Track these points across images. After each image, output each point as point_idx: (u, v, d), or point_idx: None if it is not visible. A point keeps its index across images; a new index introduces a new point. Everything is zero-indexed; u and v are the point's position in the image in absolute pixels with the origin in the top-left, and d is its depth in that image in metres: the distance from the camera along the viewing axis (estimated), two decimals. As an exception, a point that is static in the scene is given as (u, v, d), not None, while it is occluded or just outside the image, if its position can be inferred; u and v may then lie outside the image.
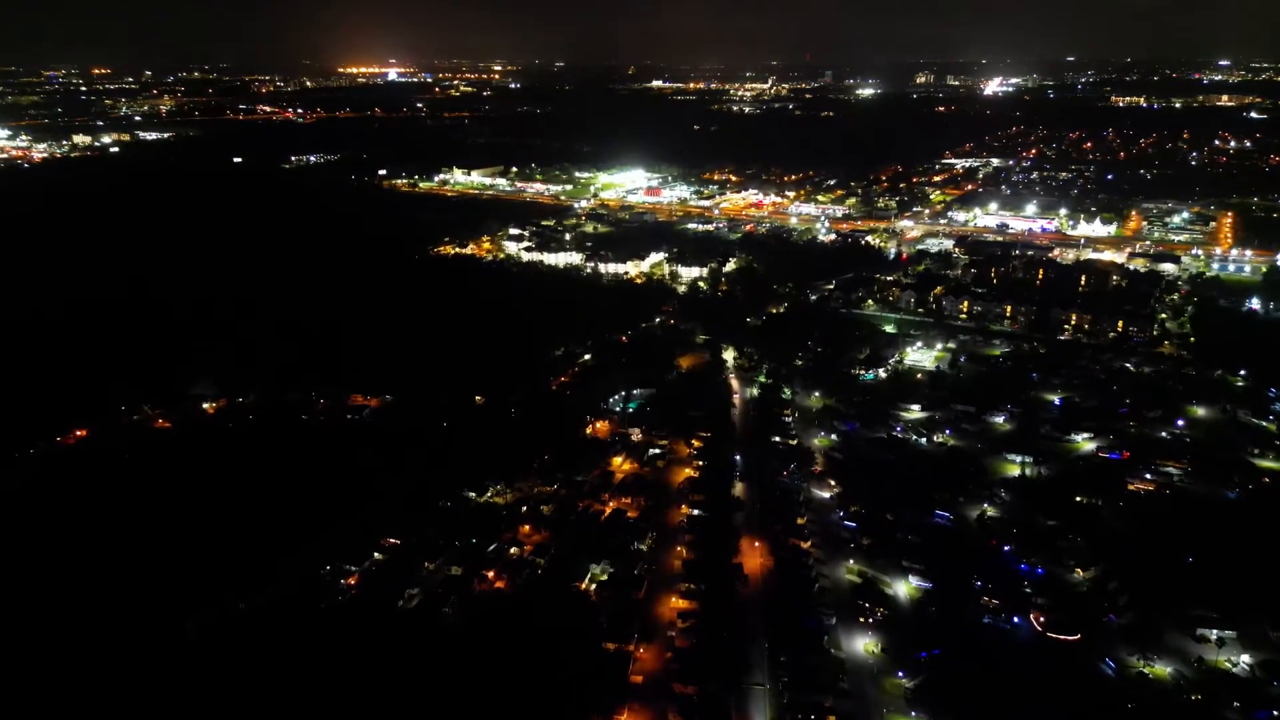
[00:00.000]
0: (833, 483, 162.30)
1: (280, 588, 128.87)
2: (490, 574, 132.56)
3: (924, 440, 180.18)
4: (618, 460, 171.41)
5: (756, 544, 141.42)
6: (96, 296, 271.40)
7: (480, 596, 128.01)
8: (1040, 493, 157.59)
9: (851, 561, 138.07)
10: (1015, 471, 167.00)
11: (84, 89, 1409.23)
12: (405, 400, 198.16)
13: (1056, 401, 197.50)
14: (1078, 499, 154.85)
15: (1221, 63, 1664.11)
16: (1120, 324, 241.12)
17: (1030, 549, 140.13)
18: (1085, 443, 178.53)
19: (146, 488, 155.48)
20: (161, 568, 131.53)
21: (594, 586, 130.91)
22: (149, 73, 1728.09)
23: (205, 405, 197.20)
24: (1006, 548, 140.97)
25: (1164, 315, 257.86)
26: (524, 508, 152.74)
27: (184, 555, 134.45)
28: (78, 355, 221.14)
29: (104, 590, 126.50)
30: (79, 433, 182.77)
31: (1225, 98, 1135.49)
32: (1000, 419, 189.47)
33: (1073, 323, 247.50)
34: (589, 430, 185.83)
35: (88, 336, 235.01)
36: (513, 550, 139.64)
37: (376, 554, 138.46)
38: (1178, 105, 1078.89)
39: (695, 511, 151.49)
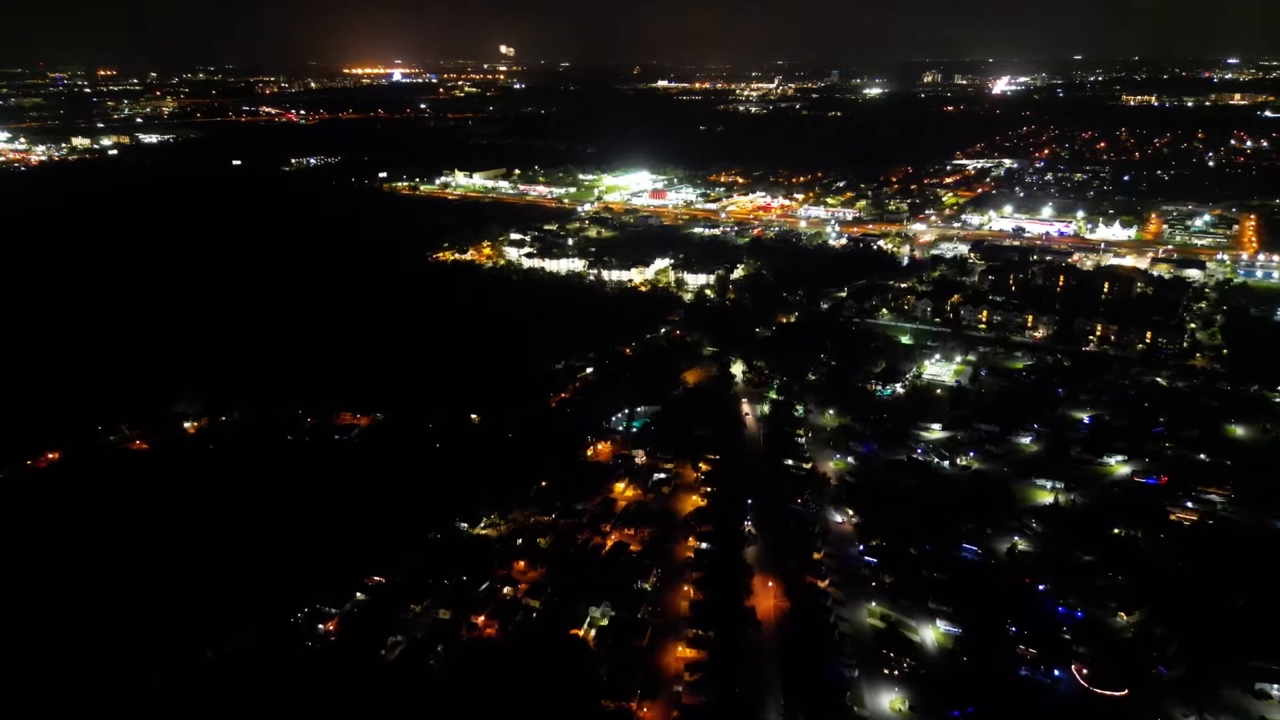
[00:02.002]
0: (850, 512, 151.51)
1: (253, 632, 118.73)
2: (480, 619, 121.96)
3: (946, 463, 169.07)
4: (620, 486, 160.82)
5: (770, 583, 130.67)
6: (79, 306, 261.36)
7: (469, 644, 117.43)
8: (1074, 523, 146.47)
9: (873, 603, 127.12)
10: (1045, 499, 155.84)
11: (88, 91, 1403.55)
12: (396, 418, 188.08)
13: (1085, 420, 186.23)
14: (1115, 531, 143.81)
15: (1230, 60, 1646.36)
16: (1149, 335, 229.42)
17: (1067, 588, 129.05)
18: (1119, 466, 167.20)
19: (114, 517, 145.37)
20: (124, 608, 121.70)
21: (593, 632, 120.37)
22: (154, 74, 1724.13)
23: (187, 424, 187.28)
24: (1041, 586, 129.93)
25: (1193, 325, 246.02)
26: (519, 540, 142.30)
27: (150, 594, 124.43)
28: (57, 368, 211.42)
29: (58, 635, 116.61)
30: (51, 455, 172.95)
31: (1237, 96, 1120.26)
32: (1026, 439, 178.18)
33: (1098, 334, 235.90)
34: (590, 452, 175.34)
35: (69, 348, 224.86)
36: (506, 590, 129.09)
37: (359, 594, 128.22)
38: (1189, 104, 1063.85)
39: (703, 545, 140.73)
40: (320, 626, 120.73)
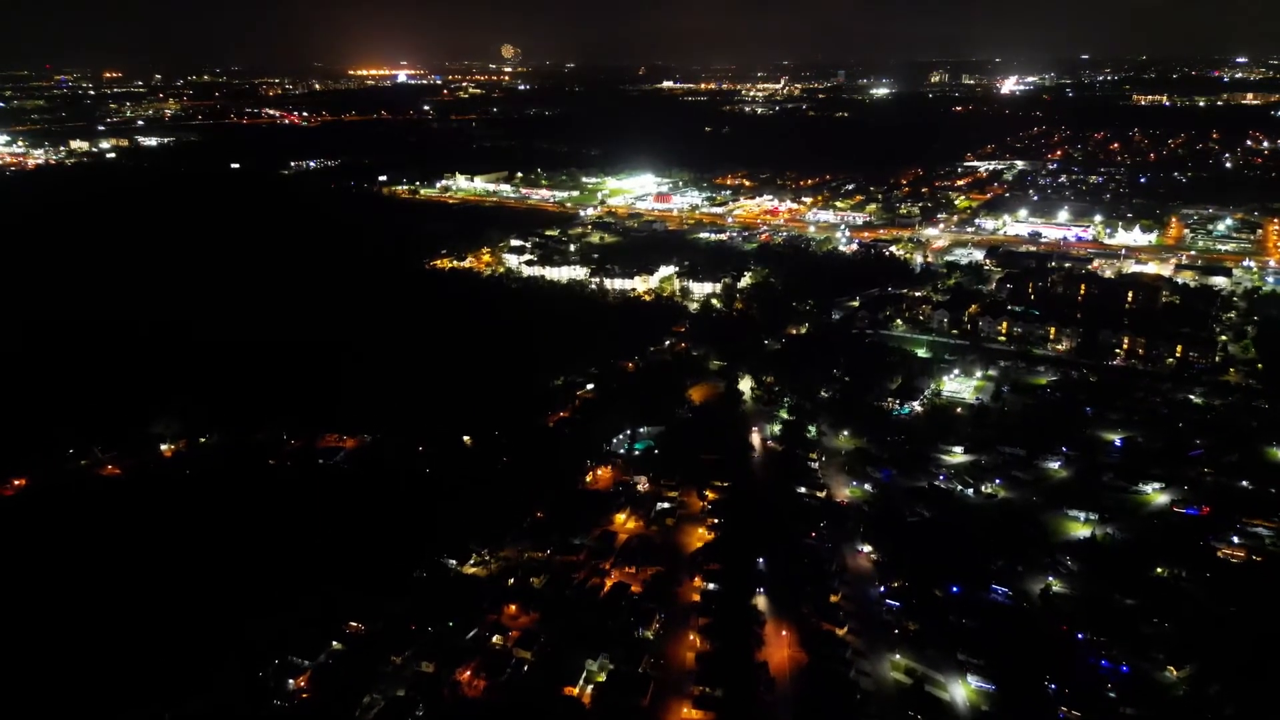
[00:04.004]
0: (868, 548, 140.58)
1: (217, 688, 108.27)
2: (466, 674, 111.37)
3: (970, 491, 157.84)
4: (621, 517, 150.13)
5: (784, 632, 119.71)
6: (57, 317, 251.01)
7: (452, 704, 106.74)
8: (1112, 561, 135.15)
9: (897, 655, 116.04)
10: (1079, 532, 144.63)
11: (92, 93, 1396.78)
12: (385, 440, 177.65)
13: (1117, 442, 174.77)
14: (1158, 570, 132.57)
15: (1239, 59, 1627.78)
16: (1179, 348, 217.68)
17: (1109, 637, 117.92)
18: (1156, 495, 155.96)
19: (74, 552, 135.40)
20: (74, 659, 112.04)
21: (589, 689, 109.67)
22: (159, 76, 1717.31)
23: (164, 446, 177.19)
24: (1080, 635, 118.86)
25: (1224, 337, 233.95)
26: (511, 580, 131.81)
27: (104, 643, 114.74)
28: (32, 384, 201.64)
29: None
30: (18, 481, 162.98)
31: (1250, 95, 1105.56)
32: (1055, 464, 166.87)
33: (1125, 347, 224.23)
34: (589, 478, 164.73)
35: (46, 364, 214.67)
36: (495, 639, 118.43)
37: (335, 643, 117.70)
38: (1201, 104, 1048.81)
39: (711, 586, 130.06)
40: (291, 682, 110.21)
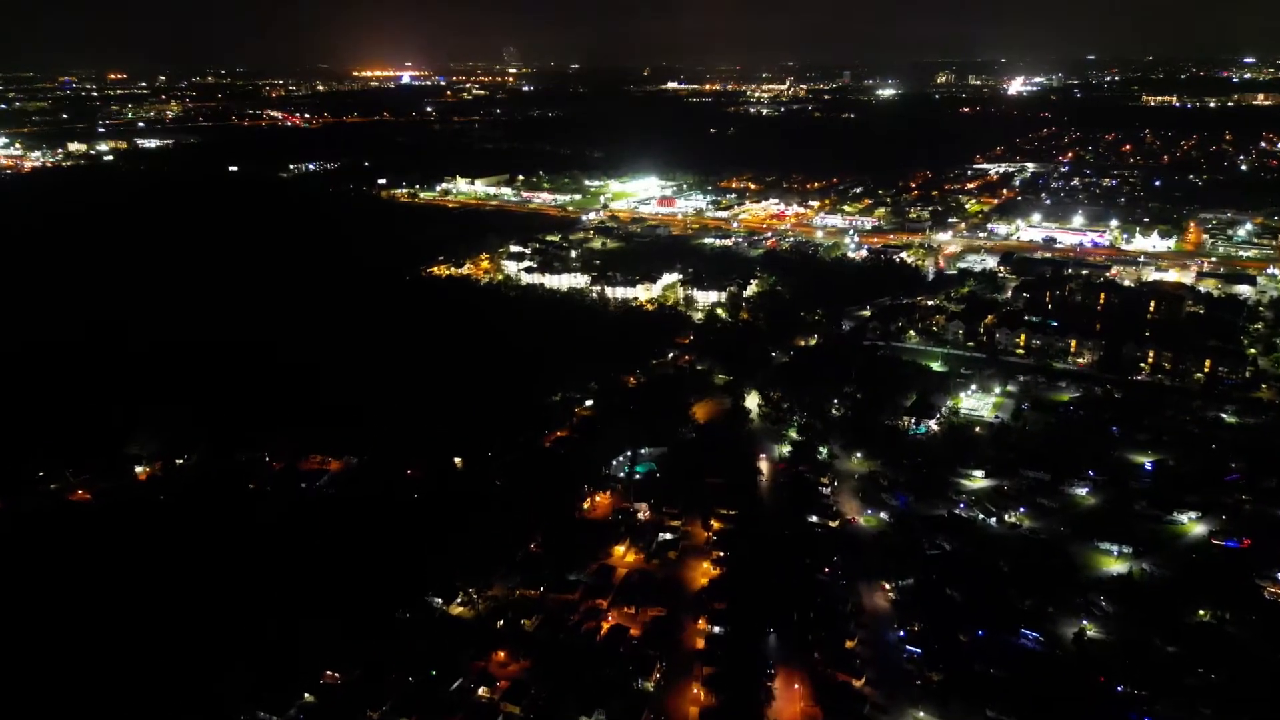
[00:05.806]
0: (886, 586, 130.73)
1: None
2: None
3: (993, 520, 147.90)
4: (620, 550, 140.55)
5: (795, 684, 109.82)
6: (36, 327, 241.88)
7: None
8: (1150, 601, 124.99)
9: (920, 711, 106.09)
10: (1112, 567, 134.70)
11: (95, 95, 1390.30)
12: (372, 462, 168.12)
13: (1147, 465, 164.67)
14: (1200, 613, 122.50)
15: (1247, 60, 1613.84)
16: (1207, 363, 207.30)
17: (1150, 690, 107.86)
18: (1193, 525, 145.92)
19: (35, 586, 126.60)
20: (28, 706, 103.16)
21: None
22: (162, 78, 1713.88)
23: (140, 468, 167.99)
24: (1119, 687, 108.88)
25: (1253, 350, 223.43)
26: (500, 621, 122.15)
27: (61, 687, 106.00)
28: (9, 403, 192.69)
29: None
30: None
31: (1261, 96, 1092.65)
32: (1083, 490, 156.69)
33: (1150, 360, 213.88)
34: (586, 504, 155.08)
35: (18, 375, 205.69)
36: (481, 691, 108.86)
37: (308, 694, 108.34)
38: (1212, 104, 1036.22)
39: (716, 629, 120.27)
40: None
